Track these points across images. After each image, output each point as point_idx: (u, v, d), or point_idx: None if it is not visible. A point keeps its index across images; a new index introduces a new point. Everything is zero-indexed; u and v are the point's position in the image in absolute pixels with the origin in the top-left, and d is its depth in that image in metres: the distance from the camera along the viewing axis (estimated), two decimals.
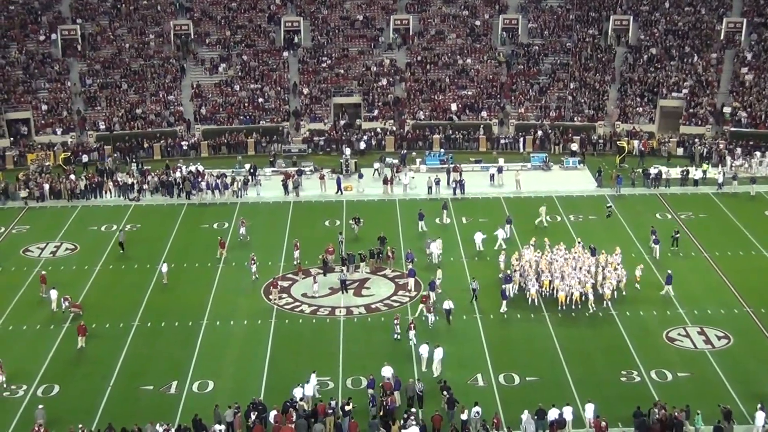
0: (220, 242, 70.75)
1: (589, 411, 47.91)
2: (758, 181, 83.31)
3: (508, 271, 62.94)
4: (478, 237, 69.96)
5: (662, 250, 69.08)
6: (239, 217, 76.49)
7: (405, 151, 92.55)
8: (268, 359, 55.28)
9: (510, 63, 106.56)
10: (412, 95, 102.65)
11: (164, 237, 74.03)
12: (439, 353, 53.21)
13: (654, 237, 69.96)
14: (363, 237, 72.27)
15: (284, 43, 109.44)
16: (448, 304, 58.59)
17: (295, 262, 67.93)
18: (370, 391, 49.97)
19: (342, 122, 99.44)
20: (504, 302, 60.72)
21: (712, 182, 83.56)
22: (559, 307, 60.38)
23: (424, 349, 53.72)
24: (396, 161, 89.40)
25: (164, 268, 66.29)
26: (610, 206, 75.44)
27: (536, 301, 61.16)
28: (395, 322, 57.46)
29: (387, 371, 51.27)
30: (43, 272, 65.76)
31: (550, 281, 61.77)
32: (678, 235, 69.77)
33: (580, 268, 62.51)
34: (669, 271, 62.15)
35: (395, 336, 56.94)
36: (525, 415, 47.33)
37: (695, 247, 70.26)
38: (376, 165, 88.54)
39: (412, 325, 56.62)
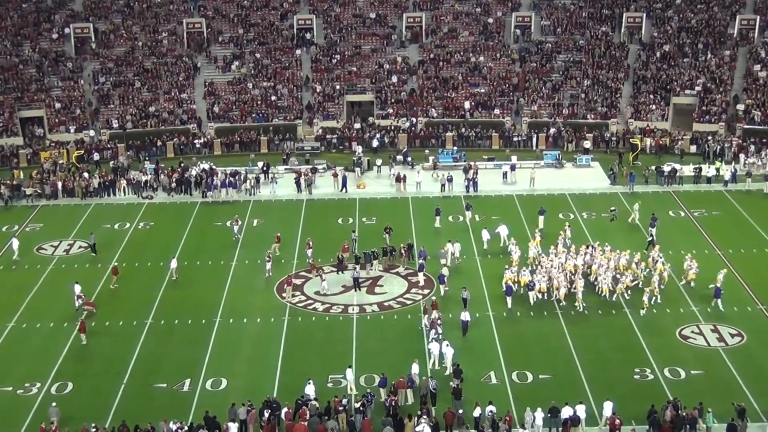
0: (276, 238, 70.76)
1: (607, 409, 47.88)
2: None
3: (533, 282, 61.89)
4: (485, 234, 69.97)
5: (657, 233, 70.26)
6: (252, 215, 76.82)
7: (406, 149, 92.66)
8: (281, 357, 55.36)
9: (524, 59, 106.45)
10: (425, 93, 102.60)
11: (178, 235, 74.14)
12: (449, 351, 53.30)
13: (652, 222, 70.86)
14: (376, 235, 72.20)
15: (297, 41, 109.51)
16: (465, 316, 57.36)
17: (308, 261, 67.98)
18: (382, 390, 50.19)
19: (357, 126, 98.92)
20: (509, 299, 60.87)
21: (731, 178, 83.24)
22: (562, 303, 60.70)
23: (434, 347, 53.78)
24: (409, 158, 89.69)
25: (173, 264, 66.40)
26: (614, 209, 75.03)
27: (543, 296, 61.37)
28: (438, 322, 57.25)
29: (417, 369, 51.47)
30: (115, 264, 66.26)
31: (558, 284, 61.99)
32: (652, 238, 69.30)
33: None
34: (718, 285, 60.25)
35: (437, 335, 56.66)
36: (536, 413, 47.54)
37: (708, 245, 70.01)
38: (379, 162, 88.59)
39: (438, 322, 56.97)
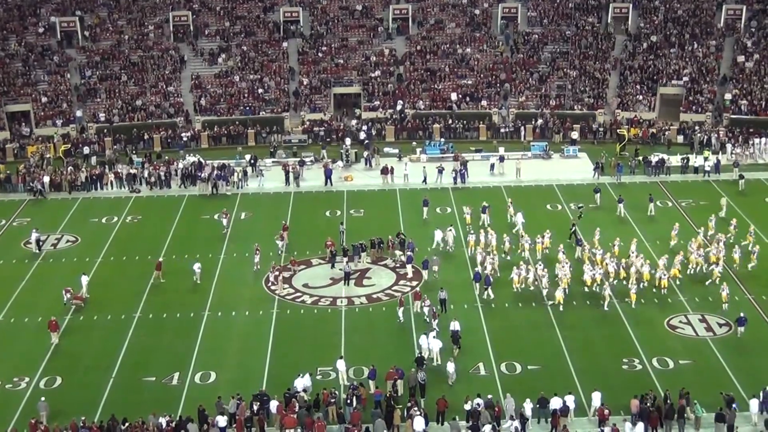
0: (284, 226, 70.78)
1: (596, 399, 48.03)
2: (760, 168, 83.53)
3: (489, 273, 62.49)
4: (437, 234, 69.28)
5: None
6: (240, 208, 76.85)
7: (368, 141, 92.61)
8: (270, 350, 55.39)
9: (512, 48, 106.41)
10: (411, 85, 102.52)
11: (166, 228, 74.03)
12: (437, 344, 53.44)
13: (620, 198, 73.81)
14: (364, 228, 72.28)
15: (283, 33, 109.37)
16: (454, 326, 55.52)
17: (279, 252, 68.19)
18: (372, 382, 50.27)
19: (353, 122, 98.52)
20: (477, 284, 61.52)
21: (712, 169, 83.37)
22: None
23: (423, 341, 53.84)
24: (395, 150, 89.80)
25: (197, 268, 64.78)
26: (581, 206, 74.93)
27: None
28: (424, 303, 58.10)
29: (450, 366, 51.66)
30: (159, 259, 66.09)
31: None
32: (574, 228, 69.45)
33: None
34: (742, 314, 57.05)
35: (427, 319, 57.38)
36: (525, 403, 47.70)
37: (696, 235, 69.96)
38: (365, 154, 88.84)
39: (435, 313, 57.22)
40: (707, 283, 62.01)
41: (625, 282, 61.58)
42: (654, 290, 60.79)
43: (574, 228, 69.30)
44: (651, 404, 47.24)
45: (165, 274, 64.77)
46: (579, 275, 62.15)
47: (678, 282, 61.83)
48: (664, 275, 60.67)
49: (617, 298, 59.95)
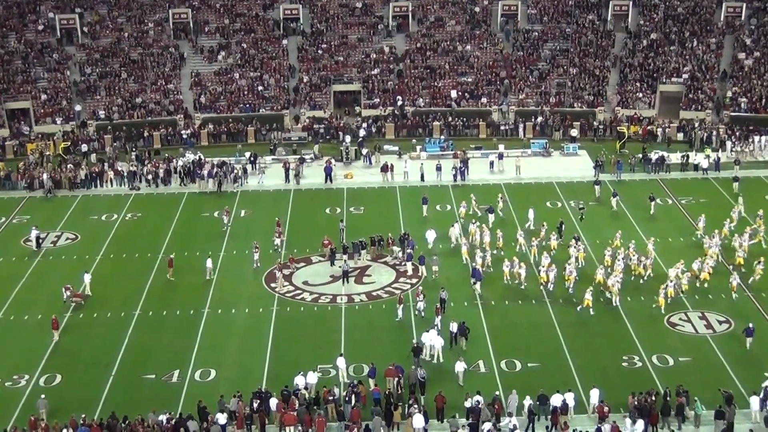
0: (277, 222, 70.98)
1: (594, 396, 48.06)
2: (760, 166, 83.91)
3: (480, 268, 62.71)
4: (431, 234, 68.90)
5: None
6: (240, 206, 76.83)
7: (362, 138, 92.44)
8: (270, 347, 55.38)
9: (512, 46, 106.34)
10: (411, 82, 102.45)
11: (165, 226, 73.99)
12: (439, 342, 53.43)
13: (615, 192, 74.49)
14: (364, 225, 72.26)
15: (283, 31, 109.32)
16: (453, 327, 55.48)
17: (277, 249, 68.19)
18: (371, 380, 50.30)
19: (356, 119, 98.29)
20: (475, 280, 61.57)
21: (711, 167, 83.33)
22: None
23: (425, 338, 53.82)
24: (395, 148, 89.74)
25: (209, 263, 64.98)
26: (583, 207, 74.78)
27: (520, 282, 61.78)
28: (418, 299, 58.38)
29: (459, 366, 51.42)
30: (171, 256, 66.05)
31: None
32: (563, 226, 69.32)
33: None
34: (750, 325, 55.84)
35: (420, 314, 57.79)
36: (525, 401, 47.71)
37: (696, 232, 69.95)
38: (365, 151, 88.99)
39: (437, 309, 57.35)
40: (750, 281, 61.87)
41: (632, 278, 61.99)
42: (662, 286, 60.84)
43: (561, 225, 69.27)
44: (645, 401, 47.22)
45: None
46: (580, 273, 62.28)
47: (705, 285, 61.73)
48: (671, 283, 60.15)
49: (620, 296, 60.00)
